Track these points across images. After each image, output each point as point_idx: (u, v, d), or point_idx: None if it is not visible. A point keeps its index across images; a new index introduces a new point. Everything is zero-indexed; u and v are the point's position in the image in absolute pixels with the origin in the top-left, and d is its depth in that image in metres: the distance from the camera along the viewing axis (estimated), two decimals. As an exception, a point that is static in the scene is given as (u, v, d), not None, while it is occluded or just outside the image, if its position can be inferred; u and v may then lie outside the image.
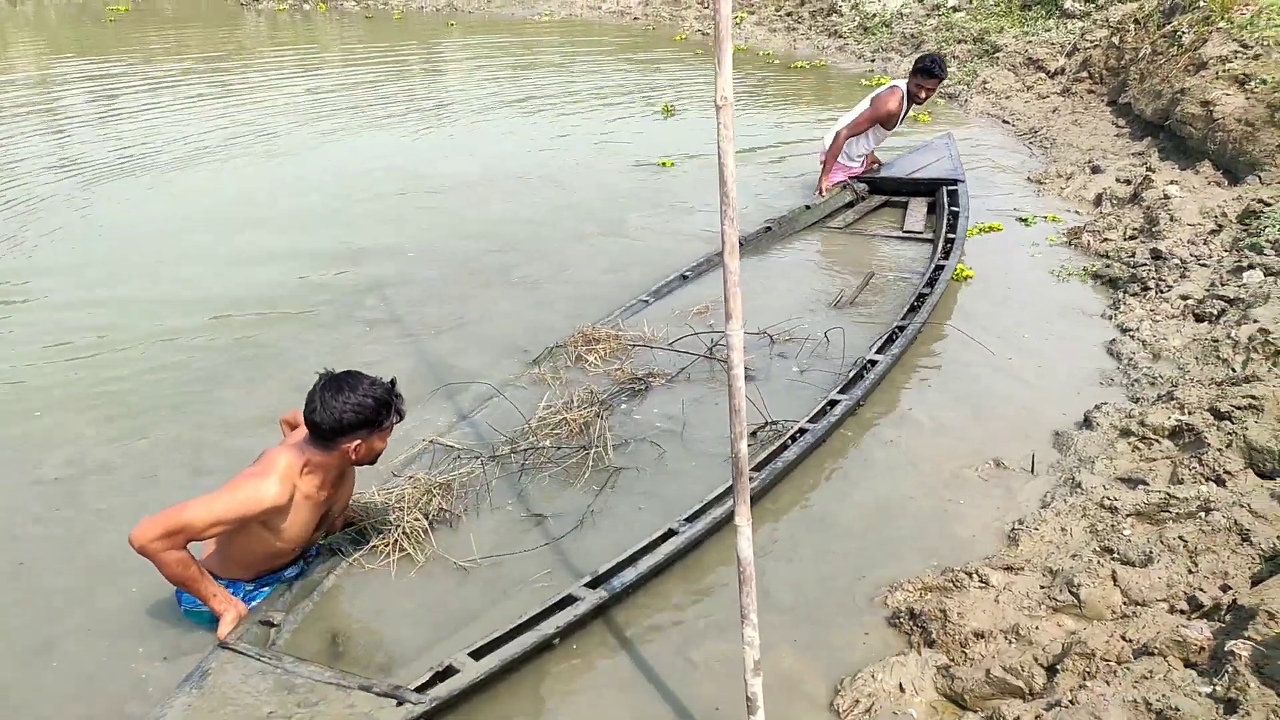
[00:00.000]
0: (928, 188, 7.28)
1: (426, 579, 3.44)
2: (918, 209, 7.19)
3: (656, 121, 10.39)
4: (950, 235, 6.25)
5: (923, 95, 7.11)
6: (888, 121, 7.22)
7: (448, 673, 2.84)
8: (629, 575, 3.25)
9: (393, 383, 3.15)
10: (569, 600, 3.14)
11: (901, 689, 2.98)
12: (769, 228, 6.68)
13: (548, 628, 3.02)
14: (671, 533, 3.47)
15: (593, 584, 3.23)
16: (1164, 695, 2.54)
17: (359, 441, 3.07)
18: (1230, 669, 2.56)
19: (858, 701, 2.93)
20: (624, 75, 13.09)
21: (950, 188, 6.95)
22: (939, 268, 5.78)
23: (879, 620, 3.30)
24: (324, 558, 3.41)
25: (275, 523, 3.03)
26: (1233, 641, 2.64)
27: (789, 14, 15.61)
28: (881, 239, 6.85)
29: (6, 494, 4.04)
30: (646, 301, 5.62)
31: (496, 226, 7.25)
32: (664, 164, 8.65)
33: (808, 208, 7.06)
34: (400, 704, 2.70)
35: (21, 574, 3.56)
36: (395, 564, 3.45)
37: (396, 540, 3.46)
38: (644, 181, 8.29)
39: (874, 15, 14.27)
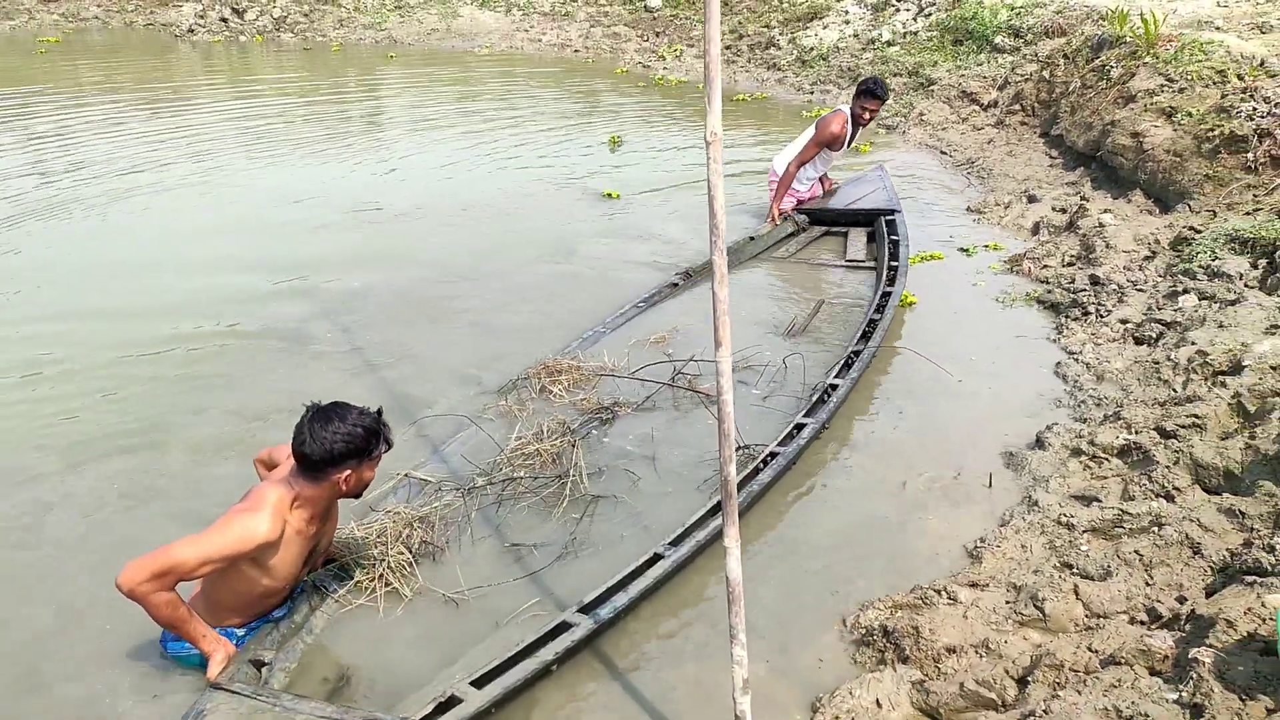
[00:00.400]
0: (866, 218, 7.48)
1: (414, 613, 3.45)
2: (858, 239, 7.38)
3: (602, 153, 10.50)
4: (893, 263, 6.43)
5: (866, 117, 7.31)
6: (833, 144, 7.41)
7: (451, 703, 2.86)
8: (620, 600, 3.30)
9: (379, 411, 3.16)
10: (564, 627, 3.19)
11: (879, 704, 3.06)
12: None
13: (546, 654, 3.06)
14: (658, 557, 3.53)
15: (584, 610, 3.26)
16: (1133, 702, 2.65)
17: (349, 472, 3.08)
18: (1194, 675, 2.68)
19: (837, 718, 3.01)
20: (567, 107, 13.20)
21: (888, 217, 7.15)
22: (885, 294, 5.94)
23: (853, 638, 3.39)
24: (309, 595, 3.40)
25: (265, 560, 3.01)
26: (1195, 650, 2.77)
27: (728, 47, 15.89)
28: (826, 268, 7.01)
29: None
30: (602, 332, 5.68)
31: (441, 256, 7.26)
32: (610, 195, 8.75)
33: (752, 239, 7.20)
34: None
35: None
36: (382, 599, 3.45)
37: (381, 575, 3.46)
38: (590, 212, 8.37)
39: (811, 49, 14.60)
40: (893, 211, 7.25)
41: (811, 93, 13.39)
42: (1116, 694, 2.73)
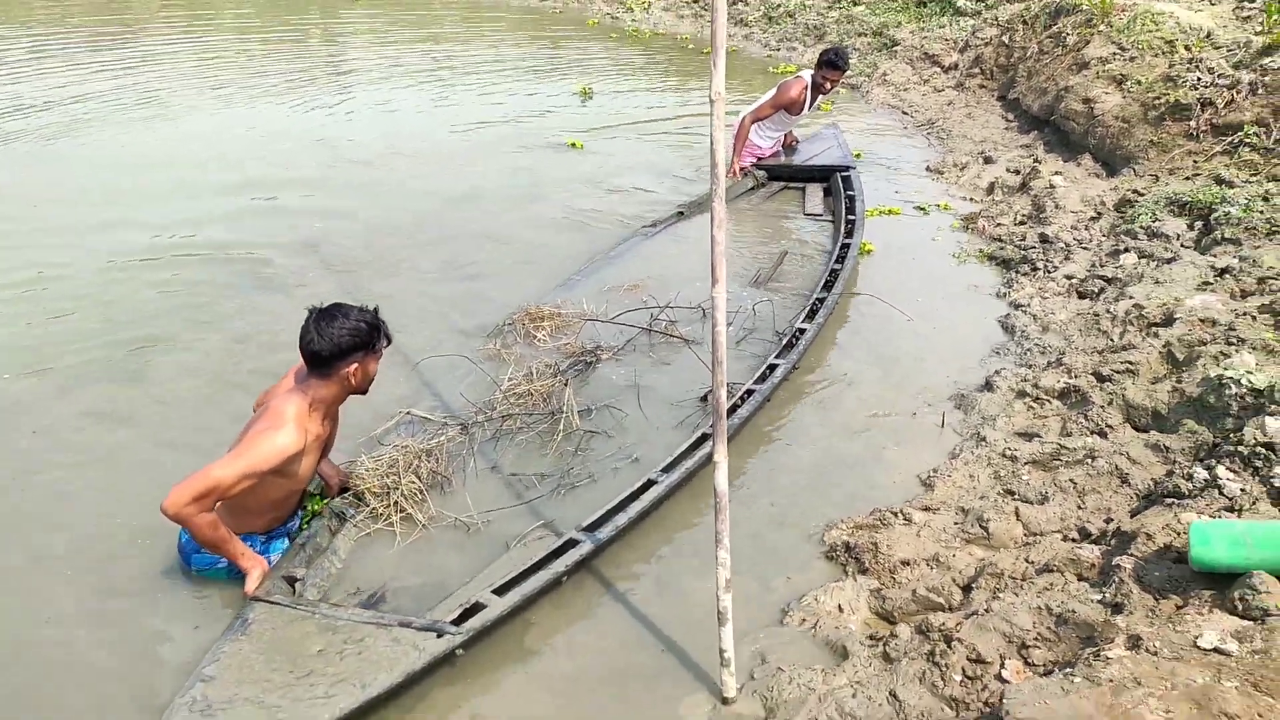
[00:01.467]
0: (821, 174, 7.82)
1: (429, 537, 3.76)
2: (815, 194, 7.71)
3: (573, 103, 10.70)
4: (850, 216, 6.76)
5: (828, 86, 7.60)
6: (791, 108, 7.69)
7: (475, 609, 3.19)
8: (621, 520, 3.66)
9: (376, 310, 3.43)
10: (571, 543, 3.54)
11: (840, 609, 3.45)
12: (681, 212, 7.11)
13: (558, 567, 3.41)
14: (651, 483, 3.88)
15: (587, 529, 3.61)
16: (1063, 602, 3.06)
17: (355, 365, 3.36)
18: (1117, 579, 3.09)
19: (804, 620, 3.39)
20: (535, 57, 13.33)
21: (843, 174, 7.48)
22: (845, 245, 6.29)
23: (818, 555, 3.77)
24: (329, 521, 3.68)
25: (291, 468, 3.30)
26: (1118, 558, 3.18)
27: (695, 1, 16.06)
28: (786, 220, 7.34)
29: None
30: (578, 279, 5.97)
31: (409, 202, 7.48)
32: (574, 145, 8.99)
33: None
34: (440, 635, 3.05)
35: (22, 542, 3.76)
36: (399, 524, 3.75)
37: (396, 502, 3.76)
38: (559, 161, 8.60)
39: (778, 5, 14.81)
40: (847, 168, 7.58)
41: (778, 49, 13.64)
42: (1049, 595, 3.13)
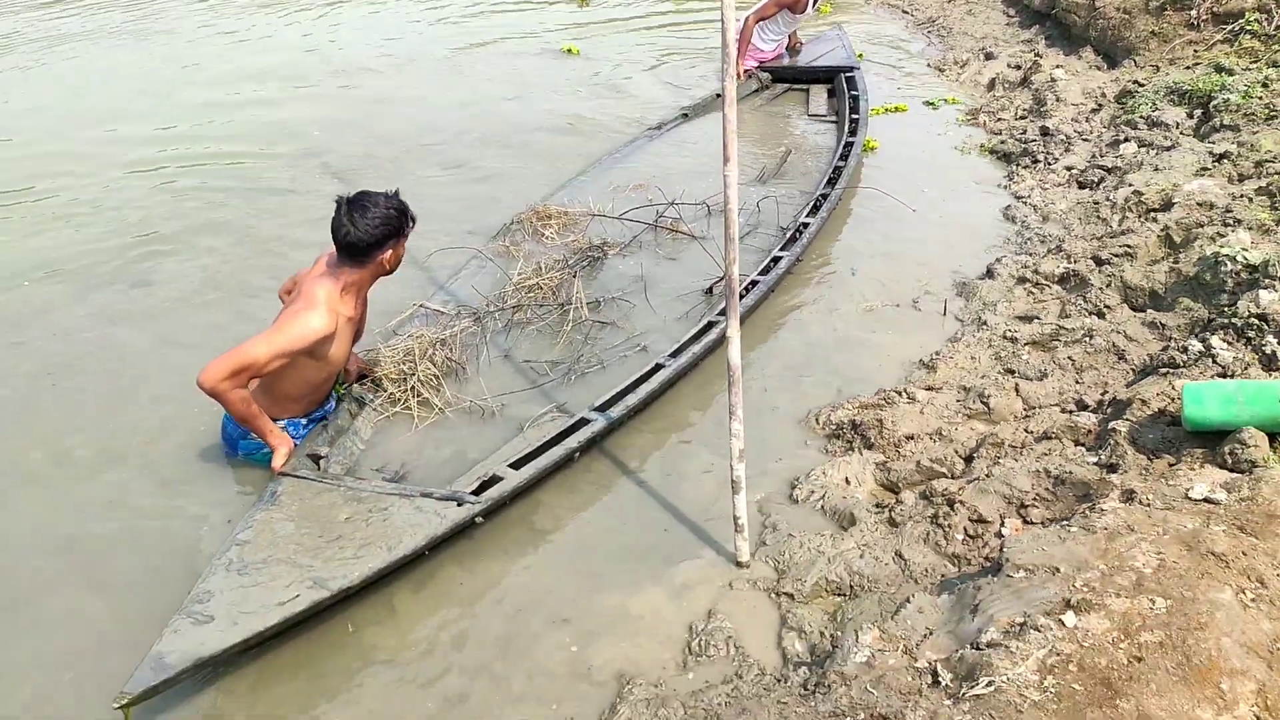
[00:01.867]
0: (826, 75, 7.80)
1: (446, 420, 3.90)
2: (819, 95, 7.70)
3: (569, 9, 10.58)
4: (854, 116, 6.79)
5: None
6: (794, 7, 7.64)
7: (492, 481, 3.35)
8: (631, 400, 3.79)
9: (398, 192, 3.54)
10: (583, 422, 3.67)
11: (847, 481, 3.60)
12: (685, 114, 7.13)
13: (571, 443, 3.55)
14: (659, 366, 4.00)
15: (599, 410, 3.74)
16: (1060, 464, 3.21)
17: (389, 251, 3.50)
18: (1112, 442, 3.24)
19: (813, 492, 3.54)
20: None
21: (847, 74, 7.47)
22: (848, 144, 6.33)
23: (825, 433, 3.90)
24: (349, 404, 3.82)
25: (323, 350, 3.41)
26: (1114, 423, 3.32)
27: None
28: (791, 120, 7.36)
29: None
30: (585, 180, 6.02)
31: (406, 110, 7.51)
32: (569, 50, 8.95)
33: (718, 95, 7.49)
34: (460, 504, 3.20)
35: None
36: (416, 409, 3.88)
37: (413, 388, 3.89)
38: (557, 67, 8.57)
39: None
40: (851, 69, 7.56)
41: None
42: (1047, 459, 3.28)
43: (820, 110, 7.44)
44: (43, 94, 7.96)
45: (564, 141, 6.84)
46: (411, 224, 3.57)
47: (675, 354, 4.10)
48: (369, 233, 3.39)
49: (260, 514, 3.14)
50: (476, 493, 3.30)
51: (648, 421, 3.99)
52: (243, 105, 7.69)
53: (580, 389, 4.10)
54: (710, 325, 4.30)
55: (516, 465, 3.43)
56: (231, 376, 3.19)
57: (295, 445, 3.51)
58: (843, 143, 6.40)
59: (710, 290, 4.77)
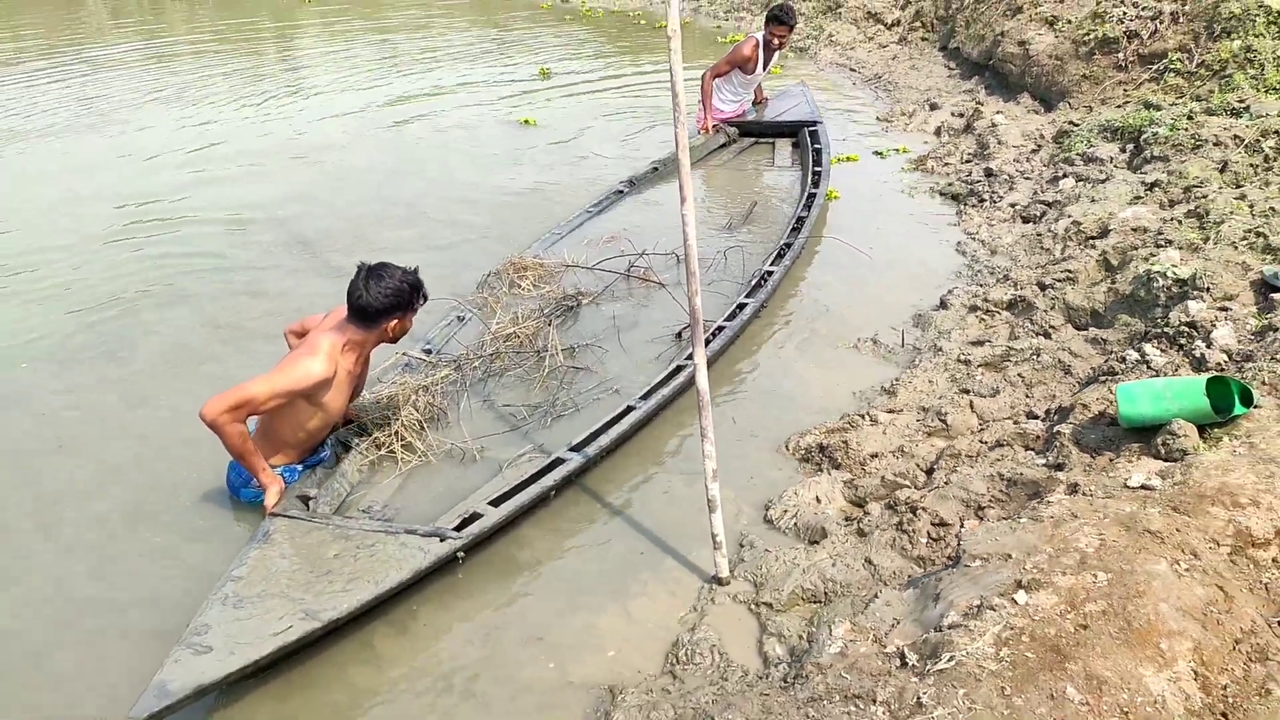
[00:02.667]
0: (790, 129, 8.17)
1: (428, 463, 4.09)
2: (784, 148, 8.07)
3: (532, 83, 10.99)
4: (817, 168, 7.13)
5: (776, 42, 7.94)
6: (745, 66, 8.02)
7: (473, 518, 3.54)
8: (604, 440, 4.01)
9: (416, 270, 3.81)
10: (559, 462, 3.88)
11: (818, 500, 3.80)
12: (656, 168, 7.46)
13: (547, 482, 3.75)
14: (630, 409, 4.23)
15: (574, 449, 3.95)
16: (1012, 468, 3.44)
17: (396, 320, 3.77)
18: (1058, 444, 3.48)
19: (785, 511, 3.74)
20: (486, 40, 13.60)
21: (810, 128, 7.84)
22: (811, 195, 6.65)
23: (795, 458, 4.12)
24: (336, 449, 4.02)
25: (320, 396, 3.63)
26: (1058, 427, 3.57)
27: (642, -22, 16.35)
28: (757, 172, 7.70)
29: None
30: (559, 235, 6.29)
31: (373, 184, 7.75)
32: (528, 122, 9.30)
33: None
34: (443, 540, 3.39)
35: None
36: (400, 452, 4.08)
37: (397, 432, 4.08)
38: (522, 139, 8.88)
39: (724, -23, 15.13)
40: (815, 123, 7.94)
41: (725, 19, 13.97)
42: (1000, 464, 3.51)
43: (785, 163, 7.79)
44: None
45: (530, 204, 7.13)
46: (422, 300, 3.85)
47: (646, 396, 4.33)
48: (379, 300, 3.66)
49: (254, 551, 3.32)
50: (458, 529, 3.49)
51: (626, 455, 4.19)
52: (208, 184, 7.89)
53: (557, 431, 4.30)
54: (679, 369, 4.53)
55: (496, 503, 3.63)
56: (231, 410, 3.39)
57: (286, 487, 3.69)
58: (806, 193, 6.72)
59: (680, 335, 5.01)
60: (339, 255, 6.30)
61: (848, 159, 7.77)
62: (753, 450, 4.21)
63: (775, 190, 7.27)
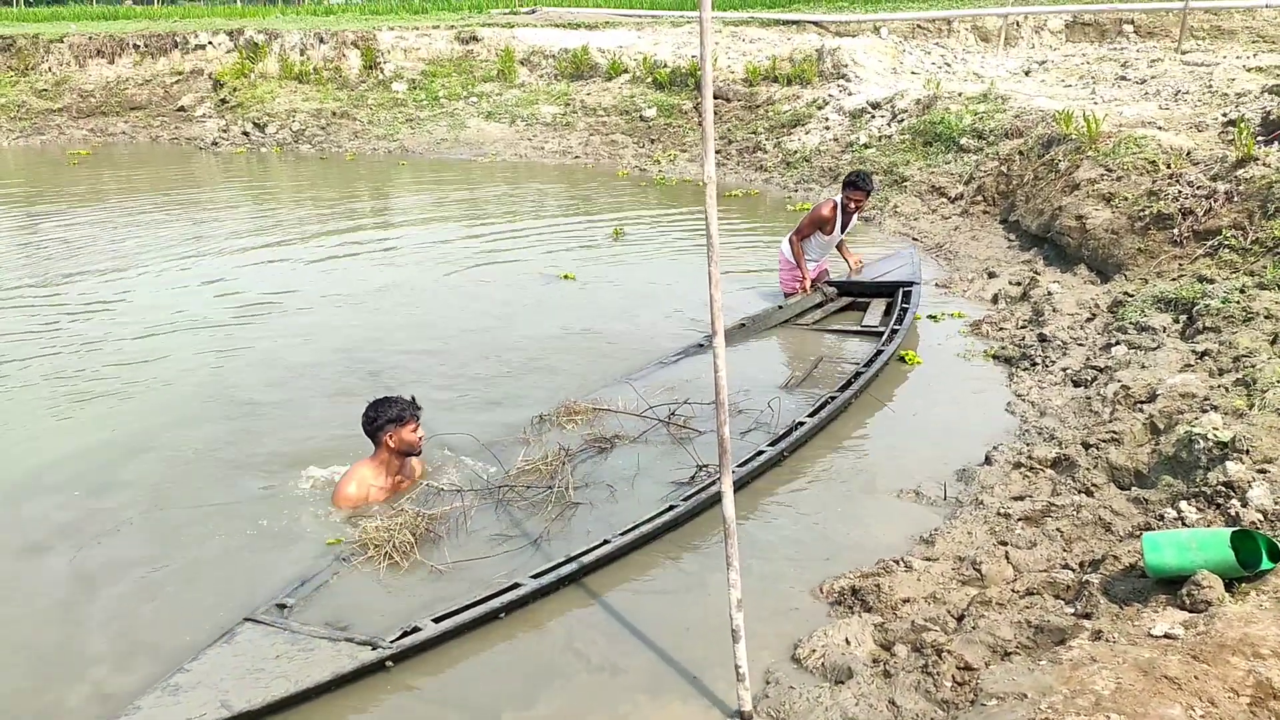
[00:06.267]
0: (887, 289, 8.33)
1: (408, 577, 4.37)
2: (877, 308, 8.18)
3: (605, 244, 11.50)
4: (896, 327, 7.27)
5: (853, 206, 8.26)
6: (823, 226, 8.31)
7: (414, 631, 3.79)
8: (565, 569, 4.21)
9: (413, 399, 4.63)
10: (514, 586, 4.10)
11: (847, 641, 3.81)
12: (743, 324, 7.61)
13: (495, 603, 3.97)
14: (605, 541, 4.42)
15: (535, 576, 4.17)
16: (1041, 615, 3.44)
17: (391, 433, 4.74)
18: (1087, 593, 3.47)
19: (814, 651, 3.75)
20: (570, 204, 14.32)
21: (906, 288, 8.01)
22: (879, 352, 6.77)
23: (828, 600, 4.14)
24: (333, 562, 4.39)
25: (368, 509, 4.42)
26: (1089, 576, 3.56)
27: (718, 151, 17.12)
28: (839, 334, 7.78)
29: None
30: (624, 383, 6.46)
31: (424, 334, 8.04)
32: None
33: (780, 307, 8.05)
34: (375, 648, 3.66)
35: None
36: (383, 567, 4.38)
37: (386, 552, 4.41)
38: (594, 295, 9.22)
39: (795, 152, 15.81)
40: (911, 284, 8.05)
41: (795, 190, 14.53)
42: (1029, 611, 3.51)
43: (874, 323, 7.82)
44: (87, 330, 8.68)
45: (604, 361, 7.22)
46: (412, 412, 4.69)
47: (624, 533, 4.50)
48: (368, 421, 4.79)
49: (211, 650, 3.66)
50: (397, 640, 3.70)
51: (643, 579, 4.34)
52: (261, 332, 8.23)
53: (538, 556, 4.49)
54: (671, 507, 4.68)
55: (439, 619, 3.86)
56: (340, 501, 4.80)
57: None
58: (876, 351, 6.83)
59: (693, 478, 5.13)
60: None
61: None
62: (785, 589, 4.24)
63: (848, 349, 7.42)
